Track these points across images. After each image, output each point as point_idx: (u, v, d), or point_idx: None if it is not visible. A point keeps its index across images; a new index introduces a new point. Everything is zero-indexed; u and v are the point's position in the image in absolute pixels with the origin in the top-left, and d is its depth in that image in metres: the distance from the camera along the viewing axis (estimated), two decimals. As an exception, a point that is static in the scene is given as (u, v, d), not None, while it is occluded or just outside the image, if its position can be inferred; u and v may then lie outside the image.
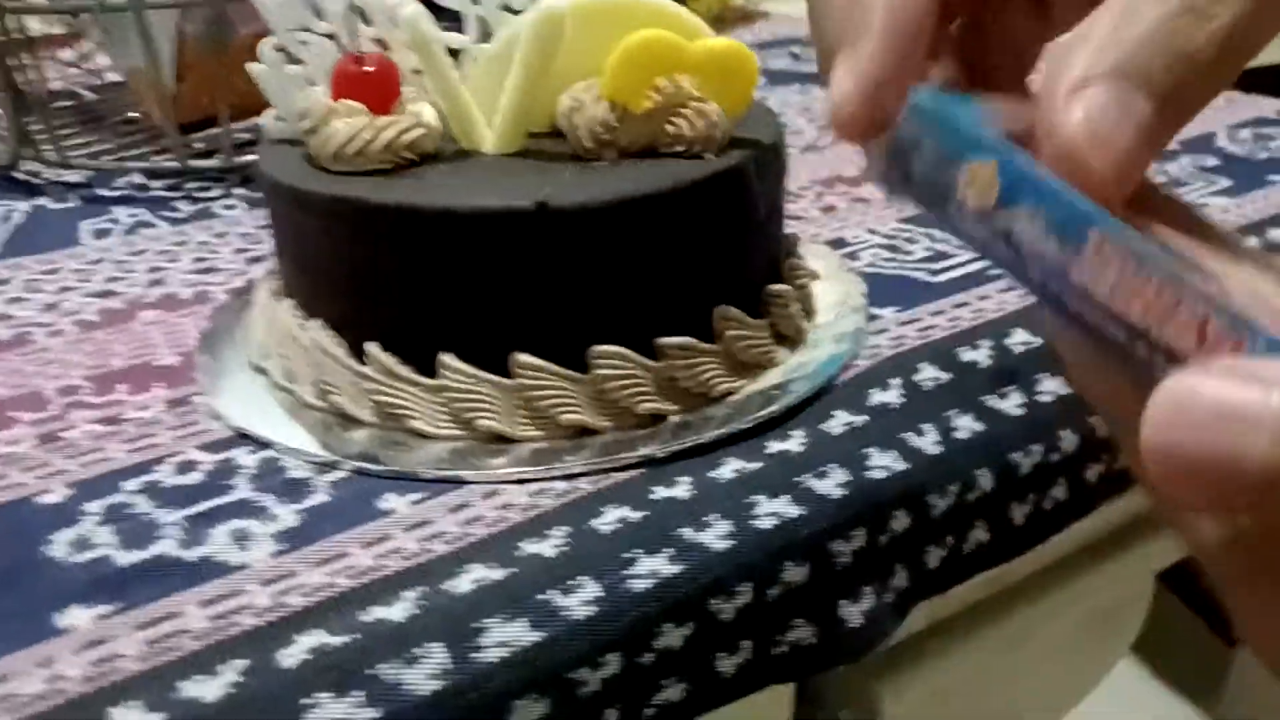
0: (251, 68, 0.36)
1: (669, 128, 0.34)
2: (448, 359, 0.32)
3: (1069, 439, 0.36)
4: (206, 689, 0.24)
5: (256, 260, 0.47)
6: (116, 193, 0.56)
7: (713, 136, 0.34)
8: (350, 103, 0.33)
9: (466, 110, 0.35)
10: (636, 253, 0.32)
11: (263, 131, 0.37)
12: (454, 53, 0.36)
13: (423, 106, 0.35)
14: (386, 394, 0.33)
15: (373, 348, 0.33)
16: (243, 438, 0.33)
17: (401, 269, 0.32)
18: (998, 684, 0.48)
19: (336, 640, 0.25)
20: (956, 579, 0.35)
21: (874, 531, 0.32)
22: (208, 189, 0.56)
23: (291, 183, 0.33)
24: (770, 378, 0.35)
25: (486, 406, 0.32)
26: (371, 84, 0.33)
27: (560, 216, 0.31)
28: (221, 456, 0.32)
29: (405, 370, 0.33)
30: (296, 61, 0.36)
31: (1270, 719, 0.79)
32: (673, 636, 0.28)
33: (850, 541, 0.31)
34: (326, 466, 0.32)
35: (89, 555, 0.28)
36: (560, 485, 0.31)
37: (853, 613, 0.32)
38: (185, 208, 0.54)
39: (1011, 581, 0.46)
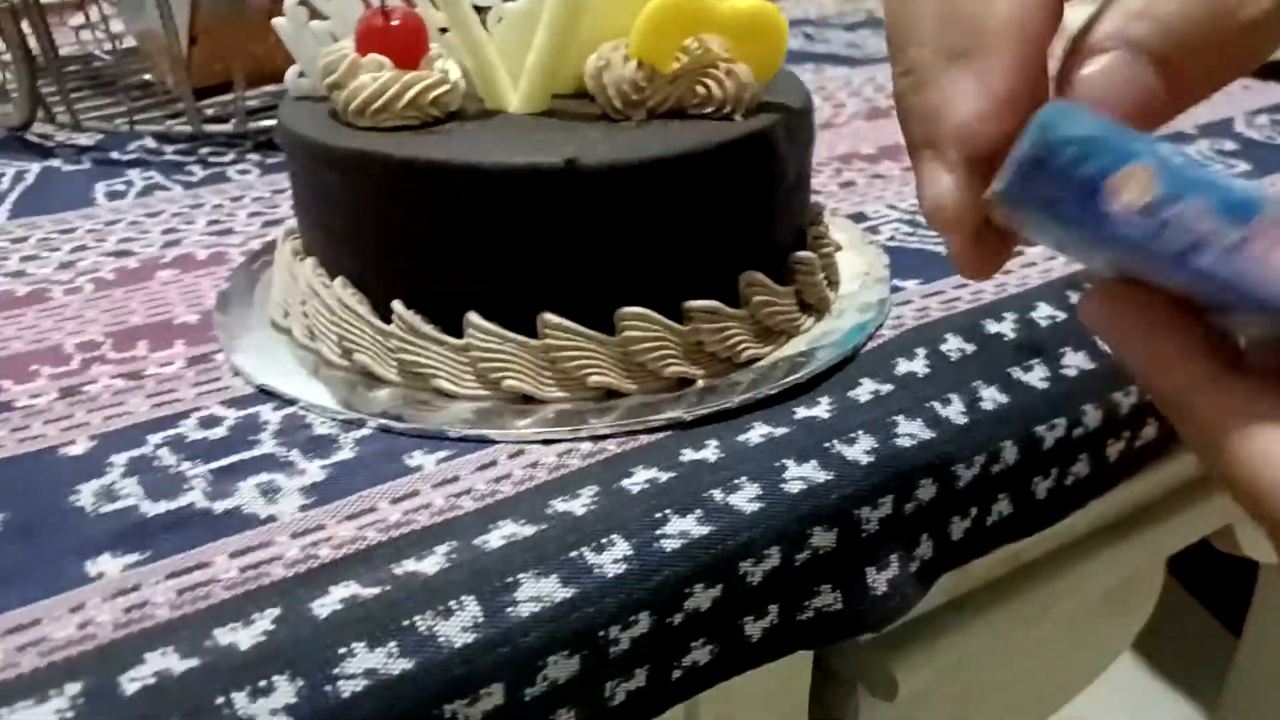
0: (276, 22, 0.35)
1: (698, 88, 0.33)
2: (474, 318, 0.32)
3: (1092, 415, 0.36)
4: (240, 636, 0.23)
5: (272, 223, 0.47)
6: (129, 156, 0.56)
7: (742, 98, 0.33)
8: (377, 57, 0.33)
9: (492, 69, 0.35)
10: (665, 214, 0.32)
11: (288, 88, 0.37)
12: (480, 10, 0.35)
13: (449, 64, 0.34)
14: (411, 353, 0.32)
15: (398, 306, 0.32)
16: (265, 394, 0.33)
17: (427, 226, 0.32)
18: (1012, 662, 0.48)
19: (369, 591, 0.25)
20: (978, 551, 0.35)
21: (901, 499, 0.31)
22: (220, 154, 0.56)
23: (315, 137, 0.33)
24: (796, 345, 0.35)
25: (512, 366, 0.32)
26: (398, 39, 0.33)
27: (589, 175, 0.30)
28: (245, 412, 0.32)
29: (430, 329, 0.32)
30: (320, 17, 0.36)
31: (1271, 715, 0.79)
32: (702, 598, 0.28)
33: (878, 508, 0.31)
34: (351, 424, 0.32)
35: (116, 506, 0.28)
36: (587, 446, 0.31)
37: (879, 580, 0.32)
38: (198, 171, 0.53)
39: (1027, 559, 0.46)
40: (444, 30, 0.35)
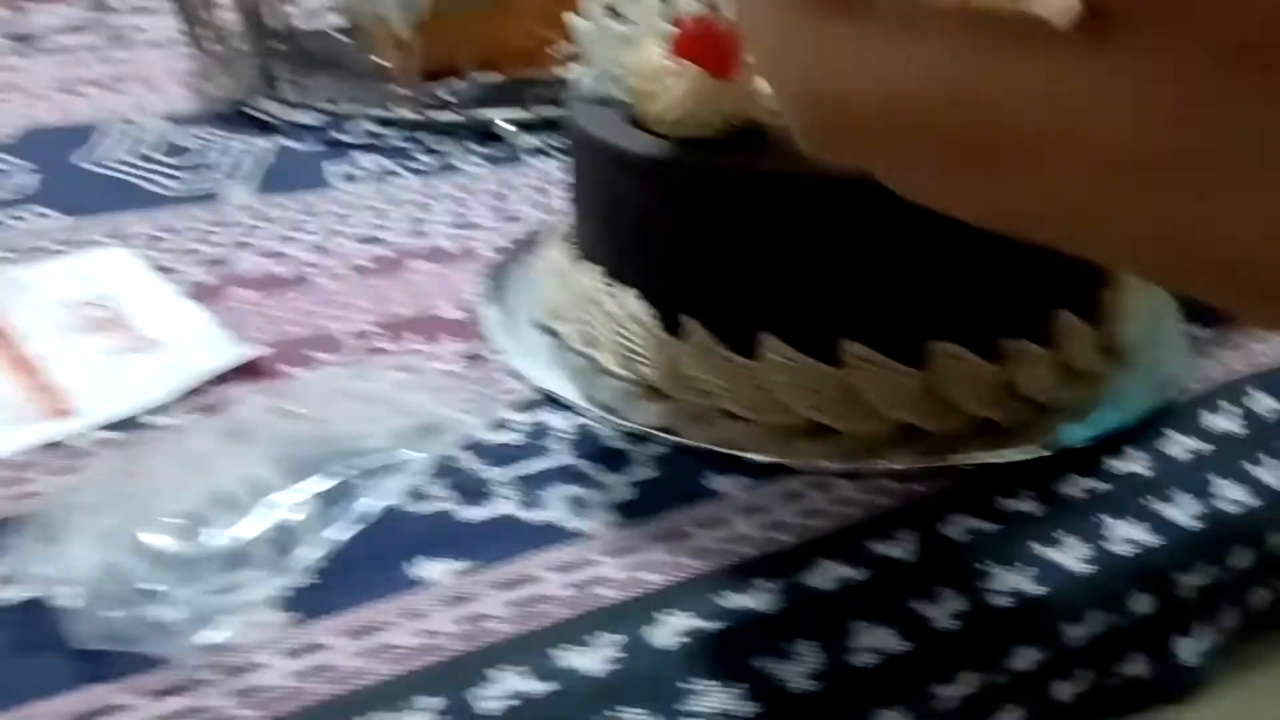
0: (575, 22, 0.34)
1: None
2: (769, 340, 0.31)
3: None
4: (587, 661, 0.23)
5: (511, 219, 0.46)
6: (354, 140, 0.56)
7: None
8: (689, 64, 0.32)
9: (797, 82, 0.33)
10: (985, 243, 0.30)
11: (572, 88, 0.36)
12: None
13: (755, 76, 0.33)
14: (700, 370, 0.31)
15: (691, 323, 0.31)
16: (546, 399, 0.32)
17: (734, 240, 0.31)
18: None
19: (707, 625, 0.24)
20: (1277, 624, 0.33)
21: (1219, 566, 0.29)
22: (442, 142, 0.56)
23: (616, 142, 0.32)
24: (1100, 390, 0.33)
25: (806, 393, 0.31)
26: (715, 47, 0.32)
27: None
28: (533, 418, 0.32)
29: (721, 349, 0.31)
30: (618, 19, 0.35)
31: None
32: (1023, 658, 0.26)
33: (1197, 575, 0.29)
34: (637, 437, 0.31)
35: (430, 508, 0.27)
36: (893, 484, 0.29)
37: (1188, 650, 0.30)
38: (426, 160, 0.53)
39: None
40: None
